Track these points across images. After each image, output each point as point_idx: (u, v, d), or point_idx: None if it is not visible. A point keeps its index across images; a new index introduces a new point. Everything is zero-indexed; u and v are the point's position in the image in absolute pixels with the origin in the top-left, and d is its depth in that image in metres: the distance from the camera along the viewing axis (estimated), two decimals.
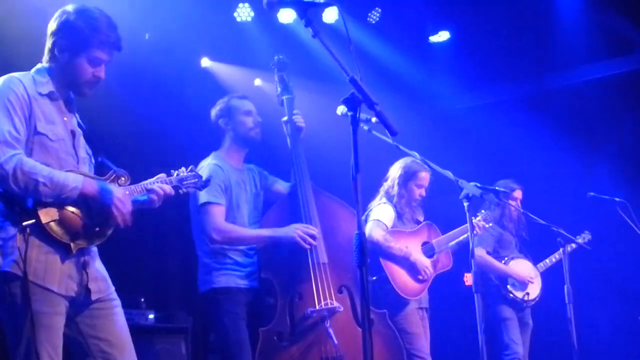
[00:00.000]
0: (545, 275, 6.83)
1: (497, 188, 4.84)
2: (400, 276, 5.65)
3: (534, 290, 6.71)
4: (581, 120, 8.32)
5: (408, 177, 5.88)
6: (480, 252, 6.50)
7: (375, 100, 2.74)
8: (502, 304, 6.62)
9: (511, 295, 6.62)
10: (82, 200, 3.31)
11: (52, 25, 3.47)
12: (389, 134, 2.89)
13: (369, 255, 2.77)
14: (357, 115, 2.78)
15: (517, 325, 6.62)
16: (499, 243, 6.76)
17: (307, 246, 4.56)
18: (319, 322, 4.49)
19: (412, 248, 5.74)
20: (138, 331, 6.13)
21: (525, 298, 6.63)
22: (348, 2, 7.39)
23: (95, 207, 3.35)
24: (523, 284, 6.65)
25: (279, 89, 5.02)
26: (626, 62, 8.30)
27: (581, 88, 8.44)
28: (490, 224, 6.32)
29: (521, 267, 6.74)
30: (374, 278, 5.58)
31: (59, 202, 3.25)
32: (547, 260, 6.88)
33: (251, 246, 4.68)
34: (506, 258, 6.72)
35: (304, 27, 2.90)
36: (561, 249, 5.54)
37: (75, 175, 3.32)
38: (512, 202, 6.67)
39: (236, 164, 4.85)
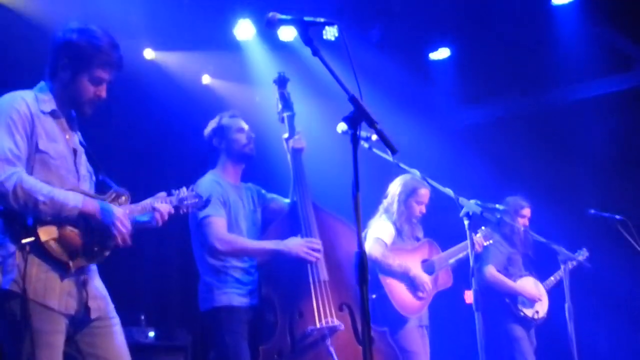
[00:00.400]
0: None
1: (497, 206, 4.82)
2: (399, 294, 5.65)
3: (543, 308, 6.65)
4: (581, 138, 8.32)
5: (408, 194, 5.88)
6: (491, 270, 6.48)
7: (375, 119, 2.74)
8: (513, 323, 6.54)
9: (522, 313, 6.54)
10: (83, 219, 3.31)
11: (54, 44, 3.47)
12: (389, 152, 2.89)
13: (369, 273, 2.76)
14: (357, 134, 2.78)
15: (529, 345, 6.54)
16: (508, 261, 6.69)
17: (313, 259, 4.55)
18: (320, 341, 4.46)
19: (412, 265, 5.74)
20: (138, 349, 6.14)
21: (535, 317, 6.57)
22: (349, 19, 7.43)
23: (95, 227, 3.35)
24: (532, 302, 6.59)
25: (279, 106, 5.00)
26: (625, 79, 8.32)
27: (580, 105, 8.45)
28: (491, 241, 6.27)
29: (530, 285, 6.68)
30: (374, 296, 5.57)
31: (59, 221, 3.25)
32: (552, 278, 6.79)
33: (253, 262, 4.66)
34: (515, 276, 6.66)
35: (304, 45, 2.91)
36: (562, 267, 5.52)
37: (76, 194, 3.32)
38: (521, 220, 6.65)
39: (233, 181, 4.85)
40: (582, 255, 6.83)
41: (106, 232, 3.35)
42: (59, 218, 3.24)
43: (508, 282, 6.57)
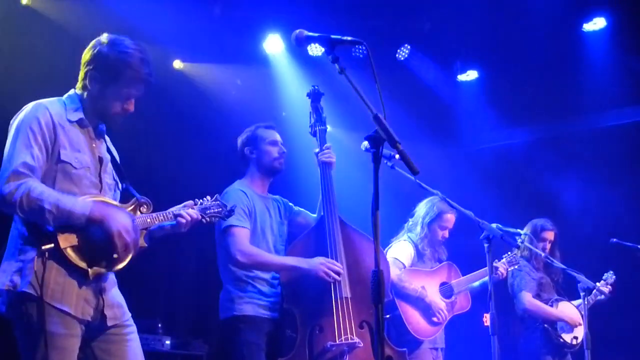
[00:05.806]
0: None
1: (519, 231, 4.75)
2: (413, 316, 5.60)
3: (581, 333, 6.20)
4: (606, 164, 8.26)
5: (433, 217, 5.83)
6: (528, 297, 6.37)
7: (397, 139, 2.74)
8: (547, 355, 6.34)
9: (561, 339, 6.35)
10: (95, 226, 3.27)
11: (85, 55, 3.47)
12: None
13: (385, 292, 2.75)
14: (380, 153, 2.78)
15: None
16: (539, 287, 6.51)
17: (331, 280, 4.53)
18: (338, 357, 4.44)
19: (429, 288, 5.69)
20: (154, 357, 6.19)
21: (574, 342, 6.35)
22: (378, 38, 7.45)
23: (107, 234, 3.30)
24: (572, 328, 6.38)
25: (312, 120, 4.97)
26: None
27: (608, 132, 8.40)
28: (516, 267, 6.18)
29: (570, 309, 6.48)
30: (388, 316, 5.53)
31: (68, 228, 3.23)
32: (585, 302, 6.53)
33: (275, 274, 4.65)
34: (551, 301, 6.49)
35: (331, 63, 2.92)
36: (582, 294, 5.45)
37: (85, 201, 3.29)
38: (542, 243, 6.52)
39: (260, 191, 4.85)
40: (610, 278, 6.68)
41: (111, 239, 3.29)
42: (68, 226, 3.22)
43: (548, 308, 6.42)
